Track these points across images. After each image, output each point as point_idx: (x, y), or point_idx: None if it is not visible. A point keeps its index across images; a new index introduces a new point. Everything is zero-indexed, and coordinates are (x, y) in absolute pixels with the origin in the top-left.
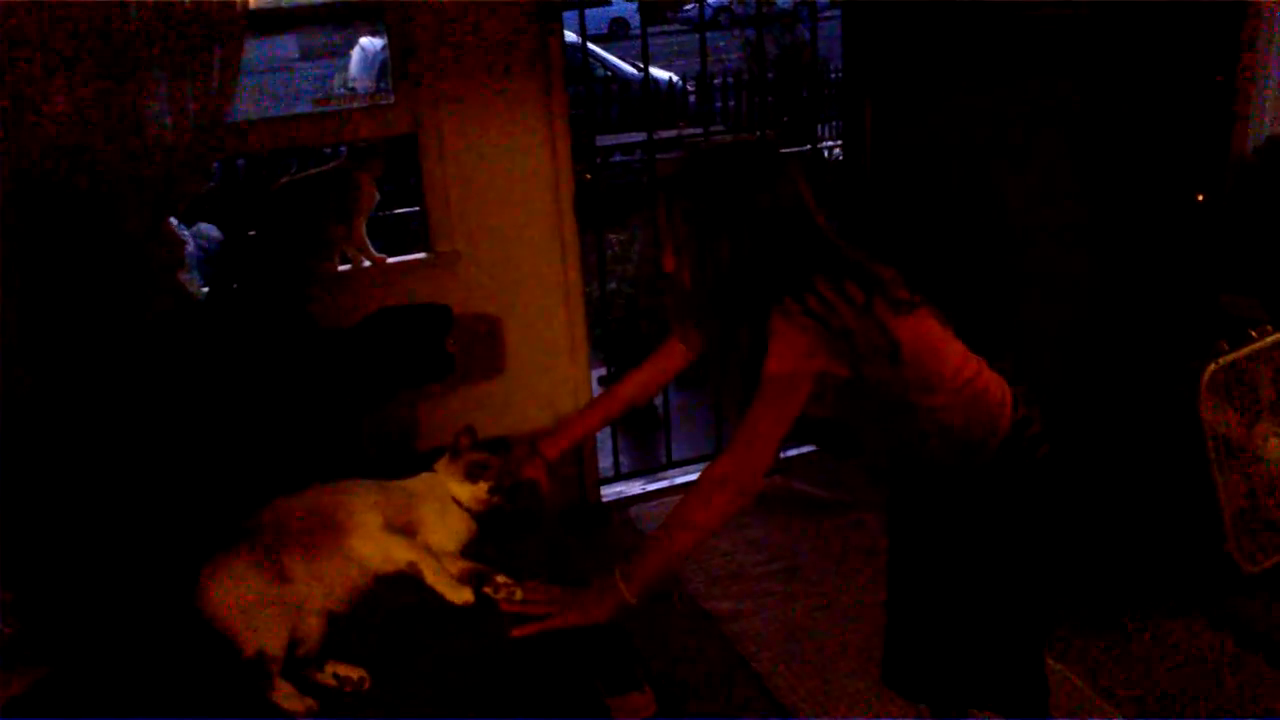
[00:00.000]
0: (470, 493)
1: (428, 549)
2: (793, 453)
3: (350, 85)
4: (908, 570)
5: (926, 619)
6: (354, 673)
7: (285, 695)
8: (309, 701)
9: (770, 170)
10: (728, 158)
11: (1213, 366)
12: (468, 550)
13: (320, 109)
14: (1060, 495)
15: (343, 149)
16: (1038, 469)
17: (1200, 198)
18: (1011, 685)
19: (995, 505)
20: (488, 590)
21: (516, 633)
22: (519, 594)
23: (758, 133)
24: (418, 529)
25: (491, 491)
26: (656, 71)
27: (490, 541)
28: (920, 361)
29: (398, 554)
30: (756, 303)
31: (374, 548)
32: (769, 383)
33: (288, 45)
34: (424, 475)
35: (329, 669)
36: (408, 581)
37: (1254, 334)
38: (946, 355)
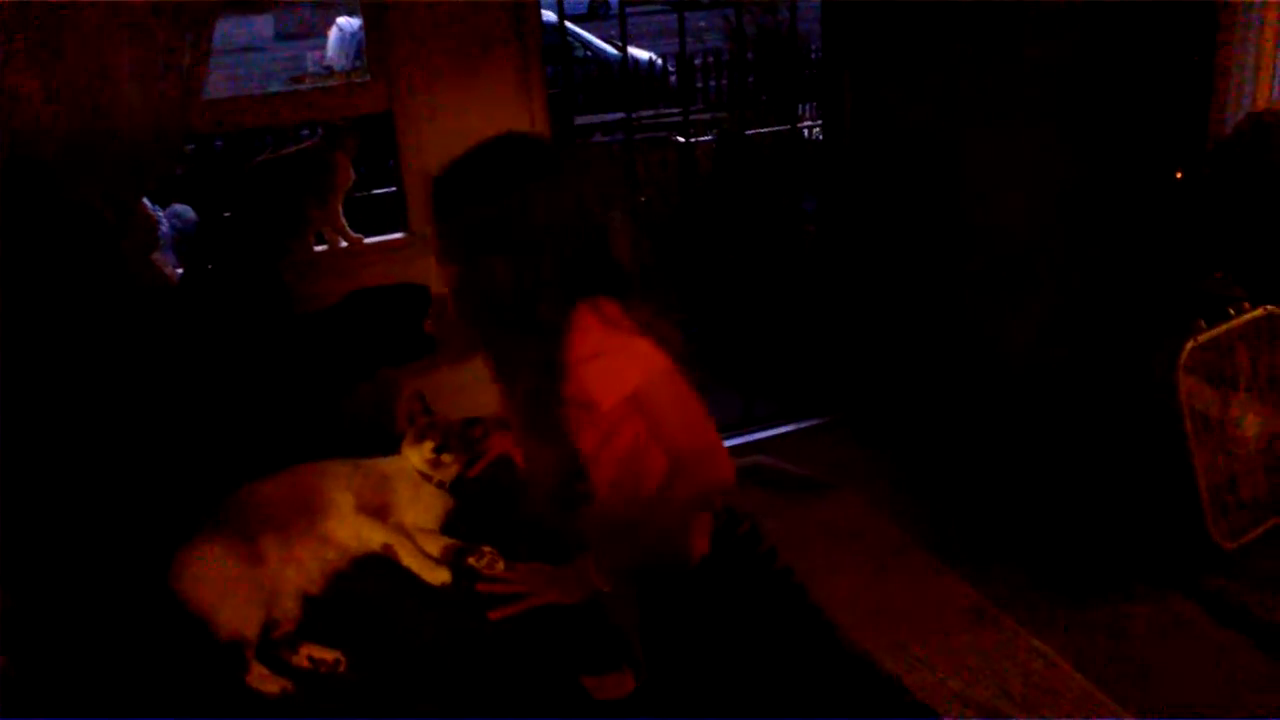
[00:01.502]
0: (420, 455)
1: (403, 530)
2: (770, 433)
3: (327, 65)
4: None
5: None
6: (329, 655)
7: (260, 677)
8: (284, 683)
9: (548, 176)
10: (496, 161)
11: (1191, 344)
12: (447, 527)
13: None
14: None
15: (319, 129)
16: (758, 568)
17: (1179, 176)
18: None
19: (724, 616)
20: (471, 561)
21: (494, 615)
22: (500, 565)
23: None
24: (394, 508)
25: (437, 450)
26: (636, 51)
27: (465, 522)
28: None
29: (372, 535)
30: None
31: (348, 528)
32: (640, 404)
33: (263, 25)
34: (398, 455)
35: (303, 651)
36: (383, 563)
37: (1231, 312)
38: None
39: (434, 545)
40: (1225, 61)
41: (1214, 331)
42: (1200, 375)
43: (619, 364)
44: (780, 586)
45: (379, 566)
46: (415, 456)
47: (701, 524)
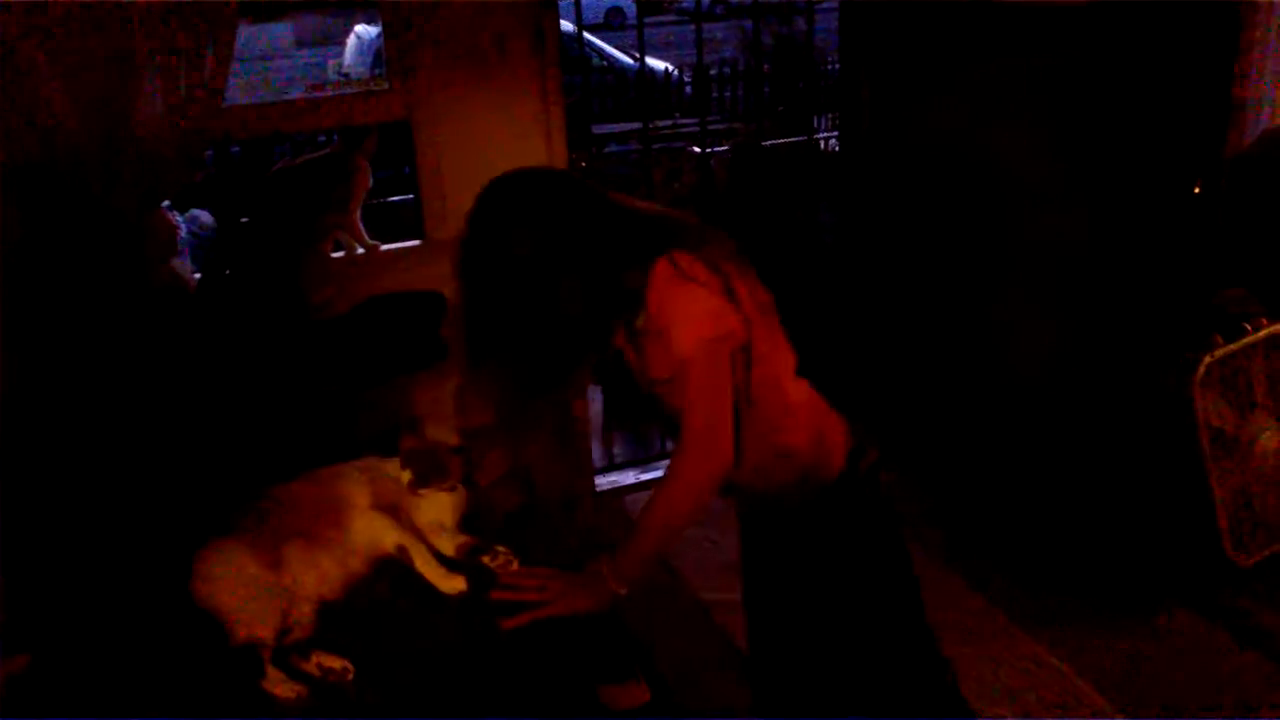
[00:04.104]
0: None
1: (419, 532)
2: None
3: (345, 72)
4: (762, 610)
5: (787, 659)
6: (337, 663)
7: (275, 681)
8: (300, 688)
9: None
10: (513, 193)
11: (1207, 360)
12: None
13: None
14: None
15: (335, 136)
16: (878, 499)
17: (1197, 189)
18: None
19: (839, 540)
20: (486, 560)
21: (508, 624)
22: (515, 564)
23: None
24: (410, 508)
25: (413, 484)
26: (652, 61)
27: (476, 533)
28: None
29: (386, 534)
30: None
31: (363, 529)
32: (689, 364)
33: (282, 32)
34: None
35: (314, 659)
36: (397, 569)
37: (1248, 327)
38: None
39: (449, 543)
40: (1244, 75)
41: (1231, 347)
42: (1217, 391)
43: (682, 314)
44: (894, 519)
45: (392, 572)
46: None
47: (837, 441)
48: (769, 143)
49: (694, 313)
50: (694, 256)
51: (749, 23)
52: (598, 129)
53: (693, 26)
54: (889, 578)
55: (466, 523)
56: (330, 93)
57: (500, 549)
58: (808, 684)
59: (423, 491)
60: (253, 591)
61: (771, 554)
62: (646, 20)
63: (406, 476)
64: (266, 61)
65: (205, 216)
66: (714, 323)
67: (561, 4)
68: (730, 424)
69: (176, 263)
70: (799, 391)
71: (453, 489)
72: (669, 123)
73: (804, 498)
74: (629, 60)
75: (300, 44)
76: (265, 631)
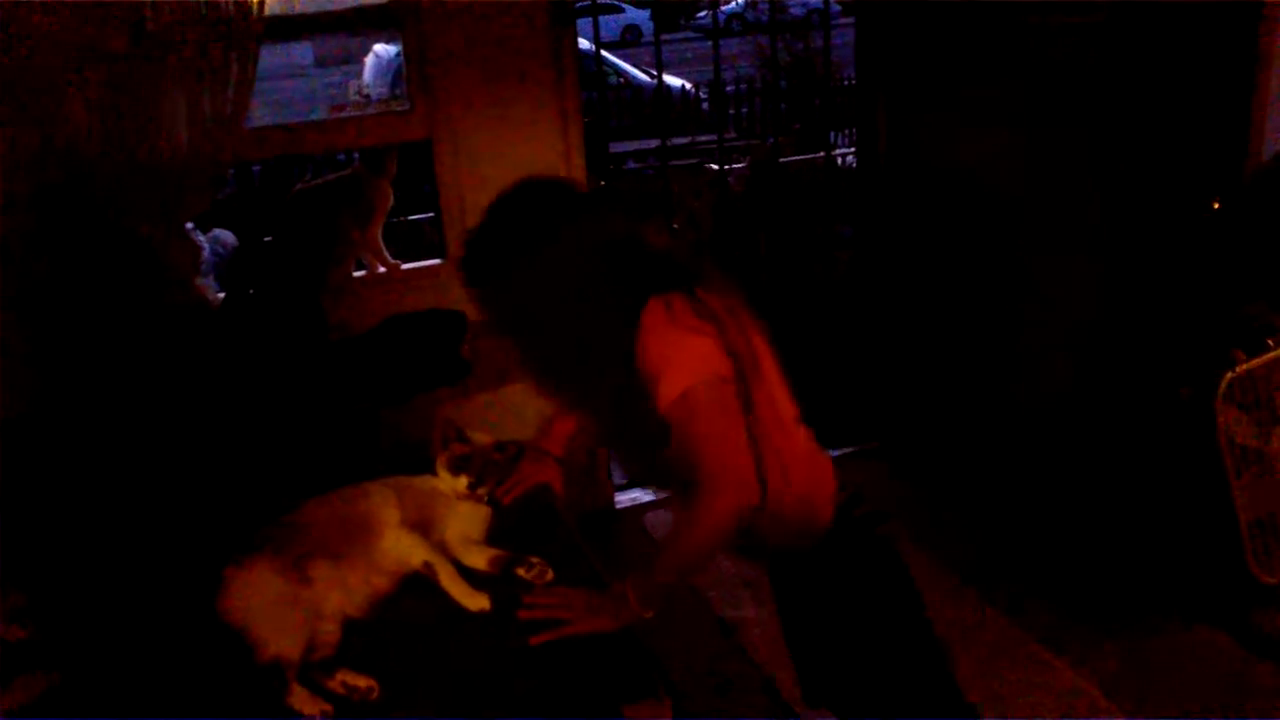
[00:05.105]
0: (455, 486)
1: (445, 549)
2: None
3: (365, 92)
4: (796, 636)
5: (828, 674)
6: (362, 682)
7: (301, 699)
8: (325, 706)
9: (578, 210)
10: (527, 213)
11: (1230, 376)
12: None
13: (336, 115)
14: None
15: (356, 155)
16: (877, 545)
17: (1216, 205)
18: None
19: (843, 585)
20: (520, 571)
21: (535, 640)
22: (550, 575)
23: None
24: (436, 523)
25: (472, 486)
26: (669, 79)
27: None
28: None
29: (413, 551)
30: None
31: (390, 547)
32: (689, 415)
33: (303, 52)
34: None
35: (339, 677)
36: (423, 585)
37: (1271, 343)
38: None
39: (481, 557)
40: (1263, 88)
41: (1253, 362)
42: (1239, 407)
43: (674, 363)
44: (894, 568)
45: (418, 589)
46: (449, 486)
47: (825, 495)
48: (786, 159)
49: (681, 360)
50: (688, 301)
51: (766, 39)
52: (615, 147)
53: (709, 43)
54: (889, 627)
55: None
56: (351, 113)
57: (534, 560)
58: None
59: (481, 491)
60: (279, 609)
61: (788, 600)
62: (663, 37)
63: (463, 482)
64: (287, 81)
65: (228, 236)
66: (704, 366)
67: (579, 22)
68: (747, 456)
69: (200, 282)
70: (792, 443)
71: (472, 485)
72: (687, 140)
73: (792, 550)
74: (646, 78)
75: (320, 64)
76: (292, 649)
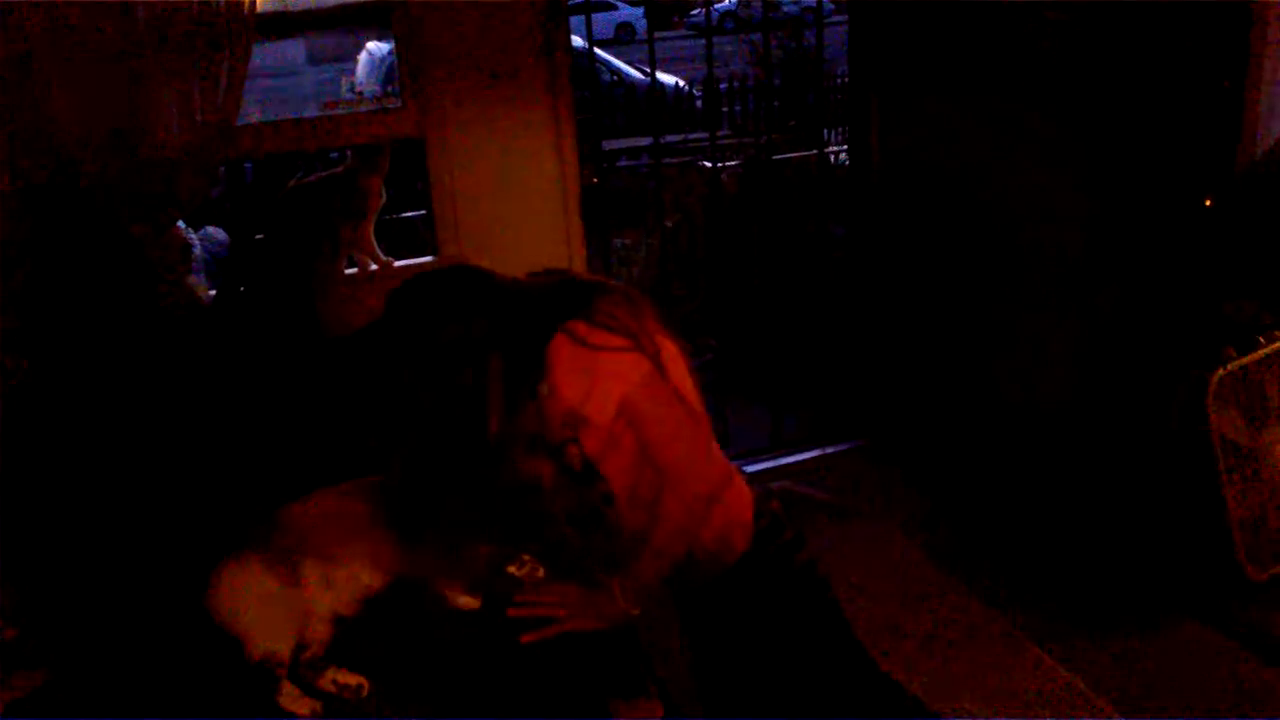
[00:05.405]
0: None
1: (435, 548)
2: (799, 457)
3: (358, 90)
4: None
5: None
6: (352, 680)
7: (292, 697)
8: (314, 704)
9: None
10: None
11: (1220, 372)
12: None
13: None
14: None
15: (348, 152)
16: (797, 575)
17: (1208, 202)
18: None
19: (752, 616)
20: (512, 568)
21: (527, 638)
22: (541, 572)
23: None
24: None
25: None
26: (662, 76)
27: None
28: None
29: (403, 552)
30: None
31: (379, 546)
32: (635, 422)
33: (295, 49)
34: None
35: (329, 675)
36: (415, 587)
37: (1261, 340)
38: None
39: (471, 555)
40: (1255, 86)
41: (1244, 360)
42: (1230, 404)
43: (599, 380)
44: (815, 597)
45: (408, 589)
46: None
47: (740, 523)
48: (779, 156)
49: (604, 373)
50: (591, 324)
51: (759, 37)
52: (608, 144)
53: (702, 41)
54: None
55: None
56: (344, 110)
57: (526, 557)
58: None
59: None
60: (270, 608)
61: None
62: (656, 35)
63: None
64: (279, 79)
65: (219, 234)
66: (631, 371)
67: (572, 20)
68: (707, 436)
69: (191, 280)
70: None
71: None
72: (679, 137)
73: (701, 579)
74: (639, 75)
75: (313, 61)
76: (282, 648)
